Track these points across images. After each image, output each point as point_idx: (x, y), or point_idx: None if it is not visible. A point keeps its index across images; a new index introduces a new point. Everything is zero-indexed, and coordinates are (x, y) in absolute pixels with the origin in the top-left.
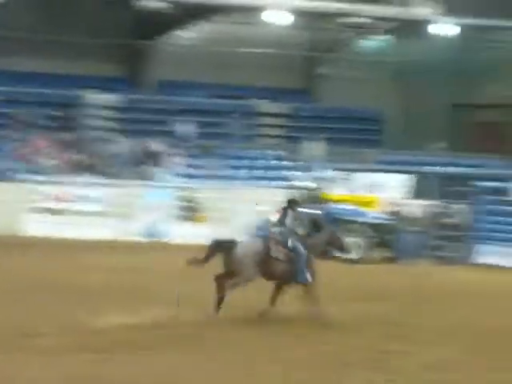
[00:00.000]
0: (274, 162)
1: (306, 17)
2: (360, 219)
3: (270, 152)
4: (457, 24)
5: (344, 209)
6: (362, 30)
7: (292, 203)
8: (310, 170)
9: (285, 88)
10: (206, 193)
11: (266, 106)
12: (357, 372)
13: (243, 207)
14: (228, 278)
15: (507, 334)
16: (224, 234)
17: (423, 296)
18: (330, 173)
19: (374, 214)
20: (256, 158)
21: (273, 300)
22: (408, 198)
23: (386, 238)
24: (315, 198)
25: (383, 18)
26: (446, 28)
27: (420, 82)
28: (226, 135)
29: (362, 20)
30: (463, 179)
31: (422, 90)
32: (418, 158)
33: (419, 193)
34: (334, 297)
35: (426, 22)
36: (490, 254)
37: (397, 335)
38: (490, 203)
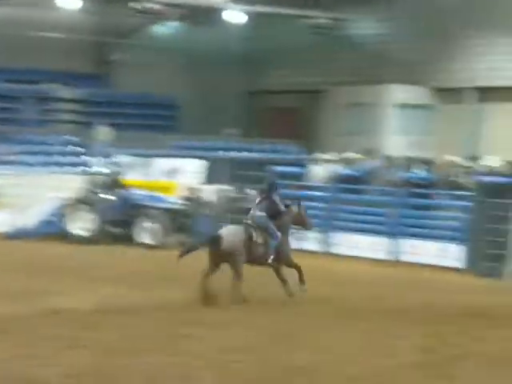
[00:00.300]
0: (69, 148)
1: (99, 1)
2: (157, 205)
3: (65, 137)
4: (248, 11)
5: (141, 194)
6: (155, 15)
7: (270, 188)
8: (106, 156)
9: (79, 73)
10: (1, 179)
11: (60, 91)
12: (146, 357)
13: (39, 193)
14: (214, 269)
15: (308, 317)
16: (21, 220)
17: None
18: (126, 158)
19: (170, 200)
20: (51, 144)
21: (282, 281)
22: (203, 184)
23: (183, 223)
24: (112, 184)
25: (176, 5)
26: (238, 15)
27: (214, 69)
28: (19, 120)
29: (154, 5)
30: (258, 164)
31: (216, 77)
32: (213, 143)
33: (214, 178)
34: (130, 282)
35: (219, 9)
36: None
37: (190, 320)
38: (284, 188)
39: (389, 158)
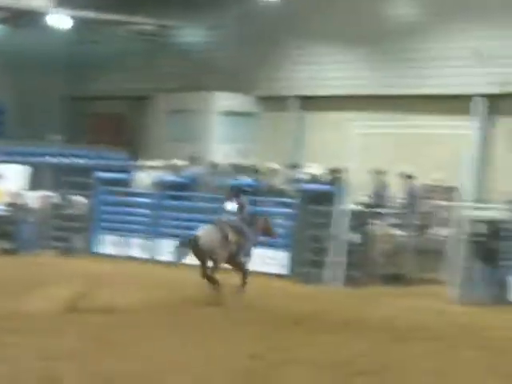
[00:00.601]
0: None
1: None
2: None
3: None
4: (72, 16)
5: None
6: None
7: (239, 191)
8: None
9: None
10: None
11: None
12: None
13: None
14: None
15: (137, 326)
16: None
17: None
18: None
19: None
20: None
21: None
22: (26, 189)
23: (6, 229)
24: None
25: None
26: (61, 20)
27: (38, 73)
28: None
29: None
30: (83, 170)
31: (40, 81)
32: (37, 149)
33: (37, 184)
34: None
35: (41, 12)
36: (109, 244)
37: (6, 327)
38: (110, 194)
39: (213, 165)
